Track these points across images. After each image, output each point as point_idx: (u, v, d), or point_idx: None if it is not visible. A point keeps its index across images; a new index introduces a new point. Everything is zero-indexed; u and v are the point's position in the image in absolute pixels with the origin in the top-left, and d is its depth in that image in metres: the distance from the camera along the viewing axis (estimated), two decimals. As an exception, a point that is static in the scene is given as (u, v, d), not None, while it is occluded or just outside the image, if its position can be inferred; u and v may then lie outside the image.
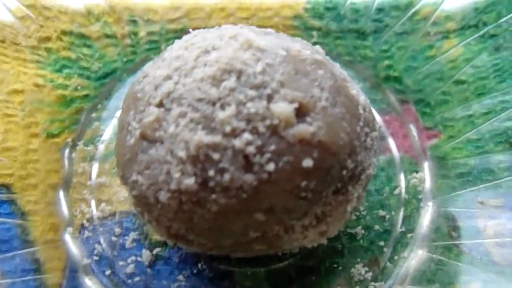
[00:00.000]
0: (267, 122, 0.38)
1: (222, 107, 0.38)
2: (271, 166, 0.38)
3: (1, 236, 0.51)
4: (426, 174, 0.55)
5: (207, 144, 0.38)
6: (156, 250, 0.53)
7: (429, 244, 0.52)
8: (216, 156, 0.38)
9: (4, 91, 0.56)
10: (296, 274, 0.51)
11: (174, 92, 0.40)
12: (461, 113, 0.56)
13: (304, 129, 0.38)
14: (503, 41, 0.57)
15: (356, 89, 0.44)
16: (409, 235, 0.53)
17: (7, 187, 0.53)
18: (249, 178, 0.38)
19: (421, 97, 0.58)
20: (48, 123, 0.57)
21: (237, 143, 0.38)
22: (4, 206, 0.52)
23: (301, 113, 0.39)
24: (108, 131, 0.60)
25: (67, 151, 0.58)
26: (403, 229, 0.53)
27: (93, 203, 0.56)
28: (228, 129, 0.38)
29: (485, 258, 0.49)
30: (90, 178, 0.57)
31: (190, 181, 0.38)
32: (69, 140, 0.58)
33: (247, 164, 0.38)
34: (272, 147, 0.38)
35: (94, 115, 0.60)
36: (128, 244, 0.53)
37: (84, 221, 0.55)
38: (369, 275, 0.51)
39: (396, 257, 0.52)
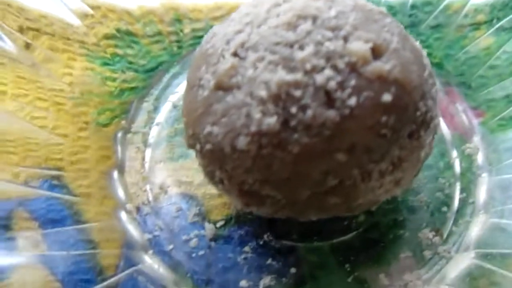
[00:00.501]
0: (346, 59, 0.39)
1: (301, 48, 0.39)
2: (352, 101, 0.38)
3: (54, 216, 0.48)
4: (479, 145, 0.56)
5: (288, 82, 0.38)
6: (219, 224, 0.52)
7: (490, 210, 0.52)
8: (297, 93, 0.38)
9: (54, 81, 0.56)
10: (361, 246, 0.50)
11: (248, 42, 0.41)
12: (500, 94, 0.58)
13: (380, 66, 0.39)
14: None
15: (418, 43, 0.46)
16: (470, 201, 0.53)
17: (58, 171, 0.51)
18: (331, 114, 0.38)
19: (462, 80, 0.60)
20: (98, 112, 0.57)
21: (319, 79, 0.38)
22: (56, 189, 0.50)
23: (375, 53, 0.40)
24: (160, 117, 0.60)
25: (120, 136, 0.57)
26: (463, 195, 0.53)
27: (148, 186, 0.55)
28: (308, 66, 0.38)
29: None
30: (144, 162, 0.56)
31: (271, 120, 0.38)
32: (123, 123, 0.58)
33: (329, 100, 0.38)
34: (352, 82, 0.38)
35: (144, 104, 0.60)
36: (189, 219, 0.52)
37: (140, 203, 0.53)
38: (436, 239, 0.50)
39: (460, 222, 0.52)
